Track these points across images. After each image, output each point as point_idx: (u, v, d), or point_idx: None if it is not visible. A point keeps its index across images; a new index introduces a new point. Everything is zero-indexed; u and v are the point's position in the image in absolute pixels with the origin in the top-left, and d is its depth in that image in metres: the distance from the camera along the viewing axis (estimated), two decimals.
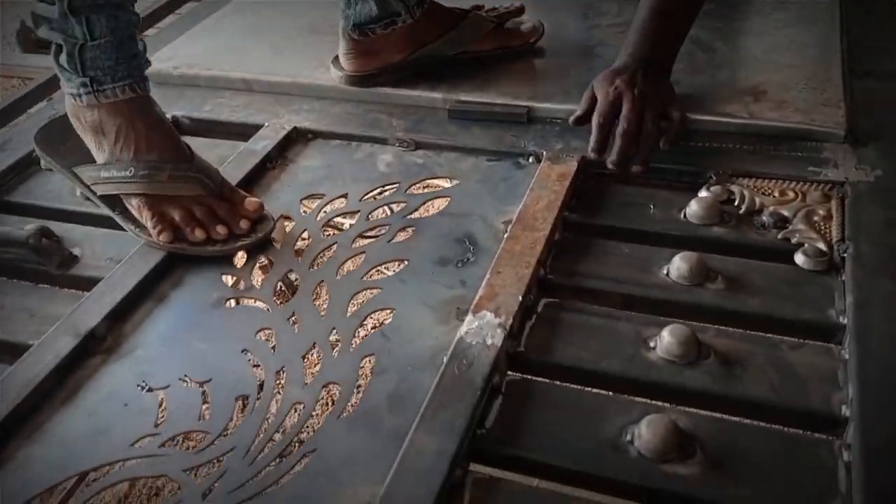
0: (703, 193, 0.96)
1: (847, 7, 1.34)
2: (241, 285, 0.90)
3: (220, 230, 0.91)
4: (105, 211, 0.96)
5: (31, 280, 0.93)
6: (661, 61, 1.08)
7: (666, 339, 0.75)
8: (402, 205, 1.00)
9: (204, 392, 0.76)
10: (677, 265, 0.84)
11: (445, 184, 1.05)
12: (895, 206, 0.90)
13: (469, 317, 0.79)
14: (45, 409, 0.76)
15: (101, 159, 0.94)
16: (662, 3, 1.08)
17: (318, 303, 0.86)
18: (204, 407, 0.75)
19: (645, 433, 0.66)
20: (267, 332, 0.83)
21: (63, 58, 0.92)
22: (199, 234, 0.91)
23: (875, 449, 0.64)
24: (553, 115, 1.12)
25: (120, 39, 0.92)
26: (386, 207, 1.01)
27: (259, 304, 0.87)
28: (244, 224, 0.93)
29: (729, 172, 0.98)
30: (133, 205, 0.92)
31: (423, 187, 1.06)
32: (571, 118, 1.05)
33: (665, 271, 0.85)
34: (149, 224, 0.91)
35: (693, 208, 0.93)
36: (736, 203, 0.94)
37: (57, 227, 0.98)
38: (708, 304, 0.81)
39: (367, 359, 0.79)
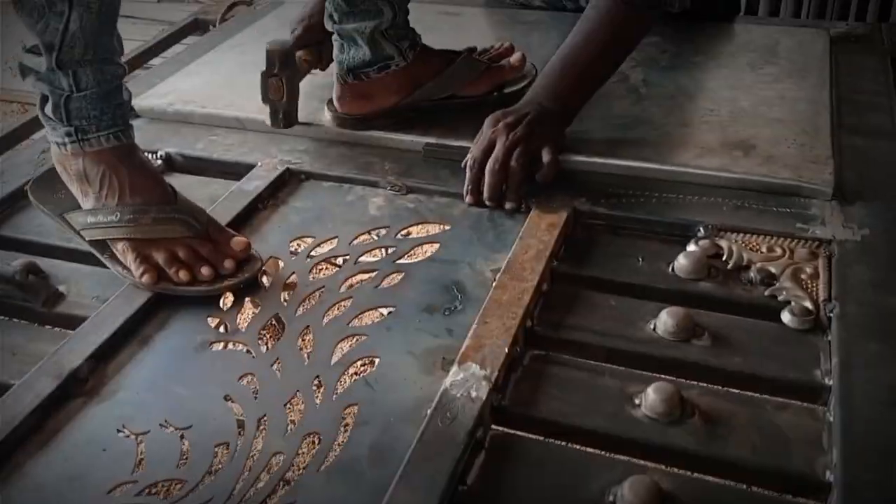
0: (691, 247, 0.96)
1: (838, 62, 1.36)
2: (227, 328, 0.89)
3: (205, 271, 0.91)
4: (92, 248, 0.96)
5: (16, 316, 0.93)
6: (561, 109, 1.11)
7: (650, 397, 0.75)
8: (392, 249, 1.00)
9: (183, 438, 0.75)
10: (664, 320, 0.84)
11: (435, 229, 1.05)
12: (881, 266, 0.90)
13: (454, 368, 0.79)
14: (23, 451, 0.75)
15: (88, 205, 0.95)
16: (572, 52, 1.14)
17: (303, 348, 0.86)
18: (183, 454, 0.74)
19: (627, 495, 0.66)
20: (250, 377, 0.82)
21: (49, 108, 0.93)
22: (182, 275, 0.91)
23: None
24: None
25: (106, 91, 0.93)
26: (375, 251, 1.01)
27: (243, 348, 0.87)
28: (229, 264, 0.93)
29: (718, 226, 0.98)
30: (118, 248, 0.93)
31: (413, 232, 1.06)
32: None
33: (652, 325, 0.85)
34: (132, 266, 0.91)
35: (681, 262, 0.93)
36: (724, 258, 0.94)
37: (44, 262, 0.98)
38: (693, 361, 0.81)
39: (350, 408, 0.78)
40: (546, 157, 1.06)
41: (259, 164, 1.16)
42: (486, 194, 1.05)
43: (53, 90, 0.92)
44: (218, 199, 1.08)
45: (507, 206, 1.05)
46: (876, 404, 0.73)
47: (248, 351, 0.86)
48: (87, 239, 0.95)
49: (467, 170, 1.07)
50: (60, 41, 0.89)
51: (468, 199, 1.07)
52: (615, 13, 1.14)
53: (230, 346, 0.88)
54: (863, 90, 1.29)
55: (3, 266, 0.94)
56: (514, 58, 1.27)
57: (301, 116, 1.23)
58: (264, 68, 1.18)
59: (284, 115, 1.21)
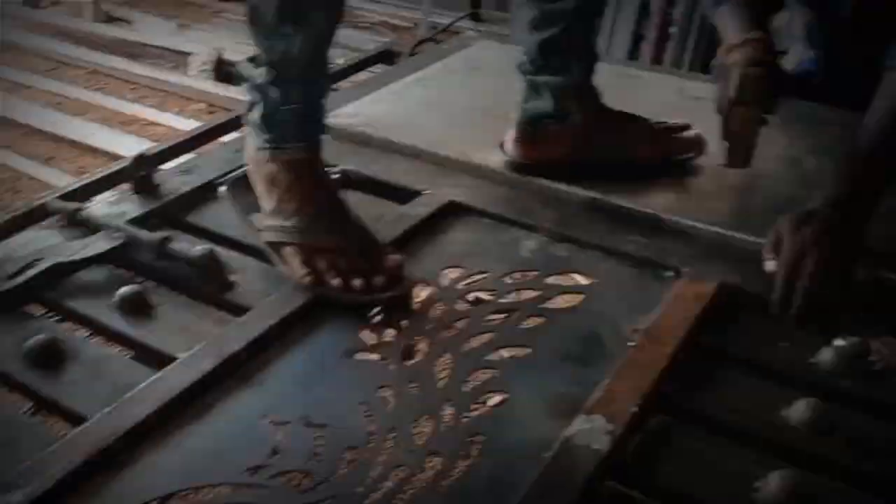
0: (838, 342, 0.94)
1: None
2: (373, 340, 0.95)
3: (357, 282, 0.98)
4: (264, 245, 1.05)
5: (191, 297, 1.02)
6: (861, 208, 1.01)
7: (772, 484, 0.74)
8: (538, 293, 1.04)
9: (318, 436, 0.81)
10: (800, 410, 0.83)
11: (583, 280, 1.07)
12: None
13: (580, 417, 0.81)
14: (176, 420, 0.83)
15: (269, 206, 1.04)
16: (873, 140, 1.02)
17: (439, 372, 0.91)
18: (315, 451, 0.80)
19: None
20: (387, 390, 0.87)
21: (256, 114, 1.03)
22: (337, 282, 0.98)
23: None
24: (697, 230, 1.13)
25: (309, 107, 1.02)
26: (522, 292, 1.05)
27: (385, 361, 0.92)
28: (379, 280, 0.99)
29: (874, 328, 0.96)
30: (288, 251, 1.01)
31: (561, 280, 1.09)
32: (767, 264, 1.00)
33: (786, 413, 0.84)
34: (297, 268, 0.99)
35: (825, 355, 0.91)
36: (872, 359, 0.92)
37: (221, 252, 1.07)
38: (822, 456, 0.80)
39: (475, 437, 0.82)
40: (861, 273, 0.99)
41: (426, 191, 1.22)
42: (795, 312, 0.95)
43: (265, 101, 1.02)
44: (383, 219, 1.15)
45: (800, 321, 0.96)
46: None
47: (389, 365, 0.91)
48: (263, 240, 1.04)
49: (780, 281, 0.97)
50: (281, 61, 0.99)
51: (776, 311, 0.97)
52: None
53: (373, 357, 0.93)
54: None
55: (188, 248, 1.04)
56: (689, 133, 1.28)
57: (470, 154, 1.29)
58: (731, 95, 1.10)
59: (747, 150, 1.15)
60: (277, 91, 1.01)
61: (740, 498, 0.75)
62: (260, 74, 1.01)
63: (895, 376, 0.89)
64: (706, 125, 1.23)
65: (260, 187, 1.06)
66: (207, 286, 1.02)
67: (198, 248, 1.03)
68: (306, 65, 1.01)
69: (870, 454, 0.80)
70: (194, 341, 0.91)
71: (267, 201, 1.04)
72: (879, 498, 0.75)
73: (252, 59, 1.03)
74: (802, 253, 0.97)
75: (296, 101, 1.02)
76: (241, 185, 1.10)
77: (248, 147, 1.07)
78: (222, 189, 1.13)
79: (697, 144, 1.28)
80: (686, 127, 1.29)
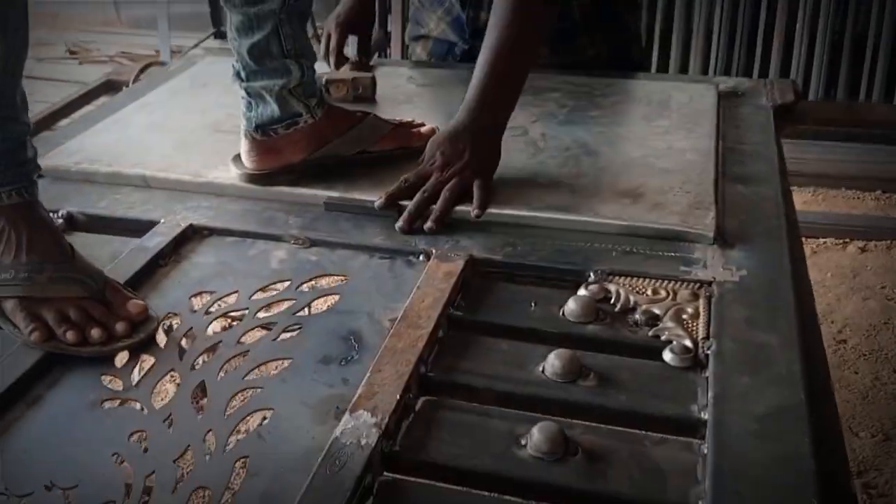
0: (581, 292, 0.99)
1: (725, 115, 1.44)
2: (120, 386, 0.89)
3: (95, 333, 0.91)
4: None
5: None
6: (492, 121, 1.21)
7: (535, 437, 0.77)
8: (292, 302, 1.02)
9: (68, 499, 0.74)
10: (551, 362, 0.87)
11: (336, 281, 1.06)
12: (755, 304, 0.95)
13: (346, 416, 0.80)
14: None
15: None
16: (500, 65, 1.20)
17: (196, 404, 0.86)
18: None
19: None
20: (141, 434, 0.82)
21: None
22: (70, 336, 0.90)
23: None
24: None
25: (10, 148, 0.94)
26: (275, 305, 1.02)
27: (136, 405, 0.86)
28: (121, 327, 0.93)
29: (607, 271, 1.02)
30: (9, 307, 0.92)
31: (315, 285, 1.08)
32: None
33: (541, 368, 0.88)
34: (21, 325, 0.90)
35: (571, 306, 0.96)
36: (612, 301, 0.98)
37: None
38: (578, 401, 0.84)
39: (241, 461, 0.79)
40: (477, 191, 1.15)
41: (162, 220, 1.16)
42: (409, 209, 1.13)
43: None
44: (118, 256, 1.08)
45: (427, 225, 1.12)
46: (745, 435, 0.77)
47: (140, 408, 0.86)
48: None
49: (400, 181, 1.17)
50: None
51: (379, 202, 1.16)
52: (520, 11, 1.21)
53: (123, 403, 0.87)
54: (747, 141, 1.36)
55: None
56: (425, 128, 1.31)
57: (204, 174, 1.24)
58: None
59: None
60: None
61: (509, 455, 0.77)
62: None
63: (634, 314, 0.96)
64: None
65: None
66: None
67: None
68: None
69: (620, 390, 0.85)
70: None
71: None
72: (633, 428, 0.80)
73: None
74: (430, 172, 1.16)
75: None
76: None
77: None
78: None
79: (431, 132, 1.31)
80: (423, 125, 1.32)
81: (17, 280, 0.92)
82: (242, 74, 1.18)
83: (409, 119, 1.34)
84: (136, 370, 0.91)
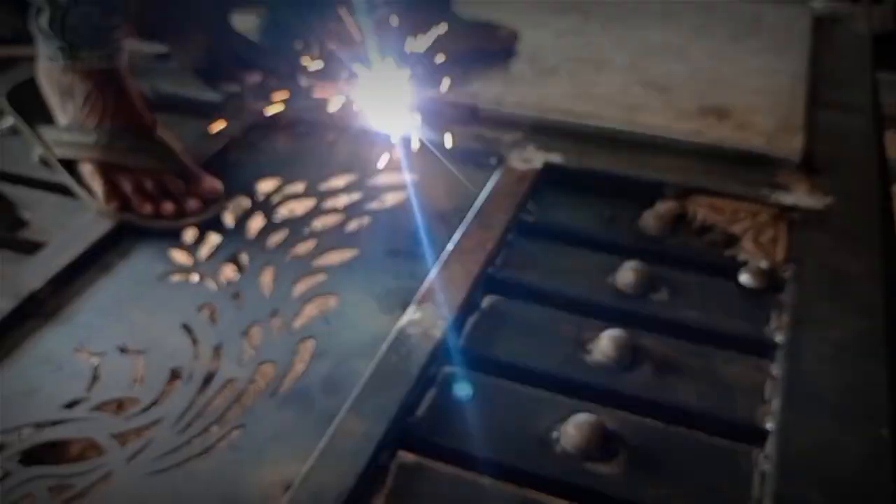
0: (658, 206, 0.97)
1: (819, 38, 1.37)
2: (189, 261, 0.90)
3: (168, 207, 0.91)
4: (59, 177, 0.95)
5: None
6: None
7: (603, 343, 0.76)
8: (360, 194, 1.01)
9: (139, 361, 0.76)
10: (624, 274, 0.85)
11: (406, 177, 1.05)
12: (839, 233, 0.91)
13: (412, 307, 0.79)
14: None
15: (65, 121, 0.94)
16: None
17: (264, 283, 0.86)
18: (138, 376, 0.75)
19: (571, 431, 0.67)
20: (209, 308, 0.83)
21: (43, 20, 0.91)
22: (146, 207, 0.90)
23: (790, 461, 0.65)
24: (521, 121, 1.12)
25: (103, 9, 0.92)
26: (343, 195, 1.01)
27: (204, 280, 0.87)
28: (194, 204, 0.93)
29: (685, 188, 0.99)
30: (87, 171, 0.92)
31: (385, 179, 1.06)
32: None
33: (613, 279, 0.86)
34: (99, 191, 0.91)
35: (647, 219, 0.94)
36: (688, 219, 0.95)
37: (10, 190, 0.97)
38: (649, 313, 0.82)
39: (307, 341, 0.79)
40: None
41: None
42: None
43: (52, 2, 0.90)
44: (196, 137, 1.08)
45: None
46: (820, 360, 0.74)
47: (208, 284, 0.86)
48: (57, 156, 0.94)
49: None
50: None
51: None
52: None
53: (190, 278, 0.88)
54: (842, 68, 1.29)
55: None
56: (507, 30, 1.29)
57: None
58: None
59: None
60: None
61: (574, 359, 0.76)
62: None
63: (711, 232, 0.93)
64: None
65: (53, 99, 0.95)
66: None
67: None
68: None
69: (692, 306, 0.83)
70: None
71: (62, 114, 0.94)
72: (703, 344, 0.78)
73: None
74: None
75: (87, 1, 0.90)
76: (24, 93, 0.99)
77: (40, 59, 0.95)
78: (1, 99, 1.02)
79: (514, 36, 1.28)
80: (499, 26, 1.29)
81: (98, 144, 0.92)
82: None
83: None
84: (205, 247, 0.92)
